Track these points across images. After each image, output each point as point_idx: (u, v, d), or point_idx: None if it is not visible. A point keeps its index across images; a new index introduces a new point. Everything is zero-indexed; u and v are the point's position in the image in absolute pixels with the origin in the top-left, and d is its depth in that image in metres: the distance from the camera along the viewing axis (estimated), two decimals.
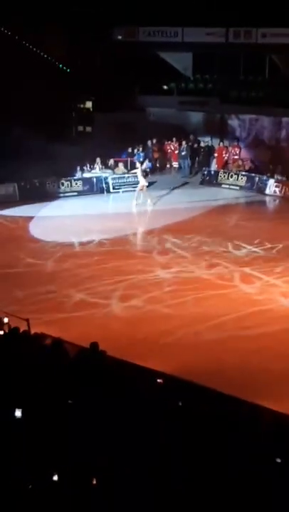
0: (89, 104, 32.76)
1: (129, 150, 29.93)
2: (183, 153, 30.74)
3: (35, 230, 22.25)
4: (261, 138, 30.96)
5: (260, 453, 7.42)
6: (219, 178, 29.02)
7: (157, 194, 26.76)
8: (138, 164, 27.09)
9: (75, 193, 27.31)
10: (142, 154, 29.94)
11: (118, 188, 27.83)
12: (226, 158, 30.32)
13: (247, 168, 29.57)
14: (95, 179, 27.83)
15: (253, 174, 28.50)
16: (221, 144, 30.67)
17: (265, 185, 27.70)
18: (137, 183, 26.19)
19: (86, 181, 27.74)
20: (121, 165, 29.00)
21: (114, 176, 28.23)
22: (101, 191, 27.65)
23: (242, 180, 28.40)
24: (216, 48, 30.44)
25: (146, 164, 29.33)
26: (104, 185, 27.77)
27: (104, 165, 28.75)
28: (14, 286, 16.64)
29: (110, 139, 27.84)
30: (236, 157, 30.21)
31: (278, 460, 7.22)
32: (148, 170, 29.68)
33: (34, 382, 9.08)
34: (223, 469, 7.03)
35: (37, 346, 10.95)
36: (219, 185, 28.80)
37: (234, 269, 18.16)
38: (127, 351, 12.26)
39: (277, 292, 16.65)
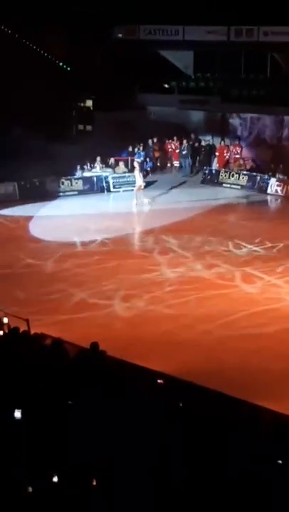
0: (89, 103, 32.72)
1: (130, 149, 29.86)
2: (184, 152, 30.57)
3: (35, 229, 22.22)
4: (263, 137, 30.86)
5: (260, 453, 7.42)
6: (220, 177, 28.91)
7: (157, 193, 26.72)
8: (136, 164, 26.96)
9: (76, 192, 27.26)
10: (142, 153, 29.85)
11: (118, 187, 27.74)
12: (227, 157, 30.22)
13: (248, 167, 29.43)
14: (95, 178, 27.76)
15: (255, 173, 28.37)
16: (222, 142, 30.58)
17: (267, 184, 27.58)
18: None
19: (86, 180, 27.66)
20: (121, 164, 28.88)
21: (115, 175, 28.16)
22: (101, 190, 27.57)
23: (243, 180, 28.30)
24: (217, 46, 30.42)
25: (147, 164, 29.26)
26: (104, 185, 27.70)
27: (105, 164, 28.65)
28: (15, 287, 16.62)
29: (111, 137, 27.77)
30: (237, 156, 30.09)
31: (279, 462, 7.22)
32: (149, 169, 29.66)
33: (34, 382, 9.07)
34: (223, 469, 7.03)
35: (37, 346, 10.94)
36: (220, 184, 28.69)
37: (235, 269, 18.13)
38: (127, 351, 12.25)
39: (278, 292, 16.64)
